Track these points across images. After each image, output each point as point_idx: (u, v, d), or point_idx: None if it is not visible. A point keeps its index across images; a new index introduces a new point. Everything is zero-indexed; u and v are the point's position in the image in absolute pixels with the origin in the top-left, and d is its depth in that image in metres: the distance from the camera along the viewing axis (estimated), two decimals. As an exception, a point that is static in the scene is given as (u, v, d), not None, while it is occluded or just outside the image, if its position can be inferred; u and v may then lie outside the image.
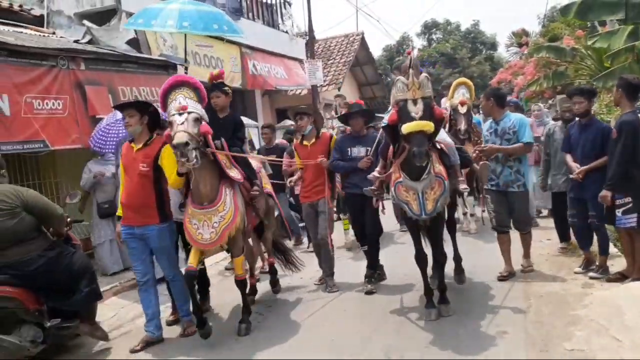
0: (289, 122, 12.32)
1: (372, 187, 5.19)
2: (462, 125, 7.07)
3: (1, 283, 4.04)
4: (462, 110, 7.20)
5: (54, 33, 9.26)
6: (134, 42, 9.20)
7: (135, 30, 8.74)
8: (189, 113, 4.33)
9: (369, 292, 5.70)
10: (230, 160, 4.97)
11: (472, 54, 39.77)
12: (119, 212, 4.87)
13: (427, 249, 5.03)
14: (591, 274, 5.42)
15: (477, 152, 5.66)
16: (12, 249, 4.09)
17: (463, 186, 5.18)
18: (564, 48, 13.18)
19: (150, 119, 4.83)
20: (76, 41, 8.69)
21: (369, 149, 5.75)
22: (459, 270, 5.67)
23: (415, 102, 4.27)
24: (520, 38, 22.89)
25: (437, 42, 41.43)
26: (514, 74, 17.32)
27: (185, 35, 6.50)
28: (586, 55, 12.78)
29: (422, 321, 4.73)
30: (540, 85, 13.94)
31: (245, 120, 11.43)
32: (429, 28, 41.89)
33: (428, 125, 4.24)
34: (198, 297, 4.99)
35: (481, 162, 5.53)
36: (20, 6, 9.42)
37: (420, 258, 4.95)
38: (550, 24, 21.21)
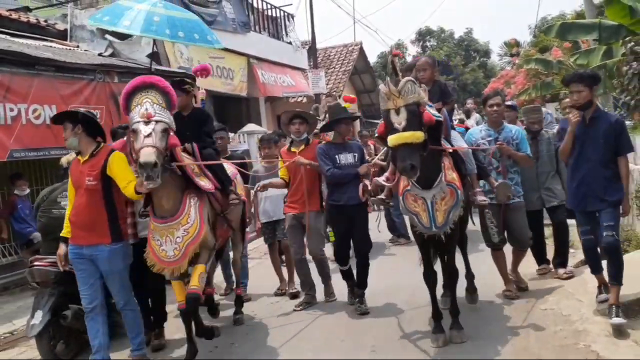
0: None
1: (381, 196, 4.78)
2: None
3: None
4: None
5: (77, 46, 9.99)
6: (153, 55, 9.94)
7: (154, 44, 9.29)
8: (156, 122, 3.83)
9: (363, 313, 5.25)
10: (200, 166, 4.53)
11: (466, 61, 40.45)
12: (64, 231, 4.30)
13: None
14: (615, 319, 4.12)
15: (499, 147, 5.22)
16: None
17: (481, 198, 4.64)
18: (550, 61, 14.14)
19: (86, 126, 4.25)
20: (100, 54, 9.45)
21: (356, 155, 5.44)
22: (471, 289, 5.16)
23: (397, 111, 3.87)
24: (511, 48, 23.84)
25: (431, 49, 42.11)
26: (506, 84, 18.24)
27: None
28: (570, 68, 13.70)
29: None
30: (529, 95, 14.86)
31: (252, 126, 12.23)
32: (423, 35, 42.52)
33: (413, 136, 3.80)
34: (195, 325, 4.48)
35: (500, 181, 5.06)
36: (46, 21, 10.21)
37: (430, 277, 4.55)
38: (541, 34, 22.12)
